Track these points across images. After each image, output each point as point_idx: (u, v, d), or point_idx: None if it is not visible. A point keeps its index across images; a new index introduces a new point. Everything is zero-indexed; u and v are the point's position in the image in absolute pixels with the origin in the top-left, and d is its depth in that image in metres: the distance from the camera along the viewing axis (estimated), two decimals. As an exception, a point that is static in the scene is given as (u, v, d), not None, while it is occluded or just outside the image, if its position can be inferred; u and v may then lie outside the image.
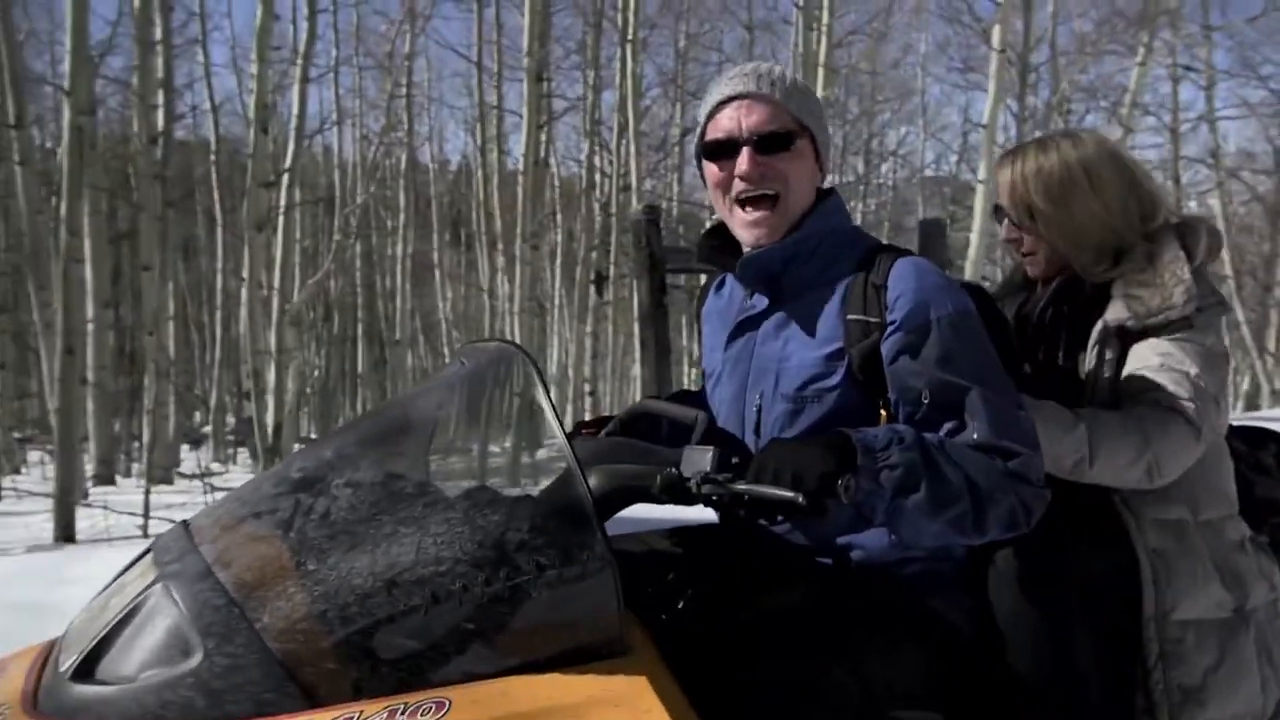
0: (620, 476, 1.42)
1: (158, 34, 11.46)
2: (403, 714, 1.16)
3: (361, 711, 1.15)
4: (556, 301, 17.29)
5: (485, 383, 1.59)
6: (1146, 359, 1.77)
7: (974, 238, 9.31)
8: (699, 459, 1.42)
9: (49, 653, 1.41)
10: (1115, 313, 1.80)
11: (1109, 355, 1.81)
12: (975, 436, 1.49)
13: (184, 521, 1.46)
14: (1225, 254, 14.09)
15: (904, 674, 1.54)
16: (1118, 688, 1.72)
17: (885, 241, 1.80)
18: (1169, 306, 1.75)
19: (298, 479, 1.45)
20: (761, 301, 1.70)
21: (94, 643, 1.24)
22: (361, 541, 1.29)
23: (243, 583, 1.24)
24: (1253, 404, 17.16)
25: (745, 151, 1.60)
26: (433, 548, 1.26)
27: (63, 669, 1.26)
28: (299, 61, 12.29)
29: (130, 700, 1.17)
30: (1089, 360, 1.83)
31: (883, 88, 17.57)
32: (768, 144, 1.59)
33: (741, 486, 1.36)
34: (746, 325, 1.72)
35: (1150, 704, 1.71)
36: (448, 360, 19.92)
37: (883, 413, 1.59)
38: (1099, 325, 1.81)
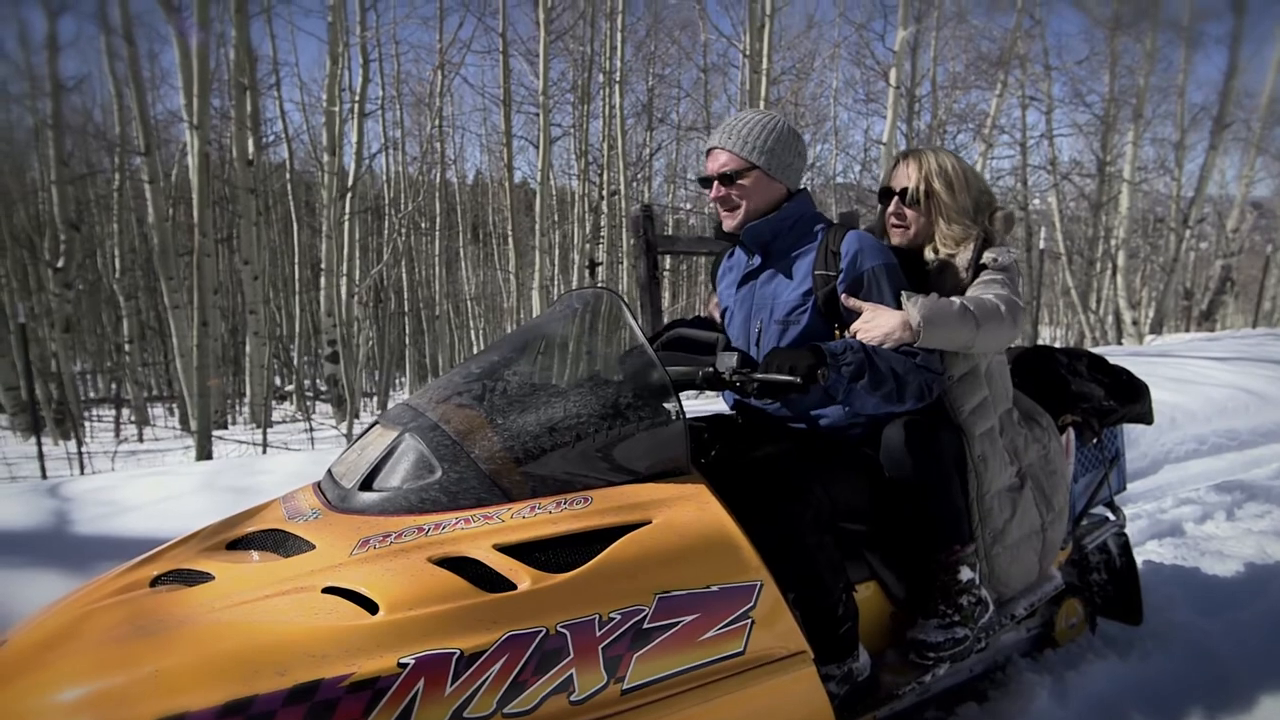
0: (677, 371, 1.64)
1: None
2: (564, 505, 1.38)
3: (540, 503, 1.38)
4: (557, 283, 17.33)
5: (587, 311, 1.80)
6: (983, 286, 1.93)
7: (876, 228, 9.57)
8: (728, 359, 1.66)
9: (319, 483, 1.59)
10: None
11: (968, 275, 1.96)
12: None
13: (405, 402, 1.64)
14: (1059, 236, 14.48)
15: (850, 496, 1.78)
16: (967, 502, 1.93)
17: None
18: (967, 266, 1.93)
19: (478, 373, 1.64)
20: (757, 260, 1.95)
21: (369, 469, 1.45)
22: (529, 407, 1.51)
23: (460, 431, 1.46)
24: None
25: (715, 184, 1.89)
26: (574, 408, 1.49)
27: (349, 486, 1.46)
28: (356, 101, 12.20)
29: (401, 497, 1.40)
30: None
31: (805, 115, 17.67)
32: (726, 179, 1.87)
33: (759, 375, 1.60)
34: (749, 276, 1.96)
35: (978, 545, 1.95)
36: (473, 327, 19.94)
37: (837, 332, 1.82)
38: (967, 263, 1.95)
